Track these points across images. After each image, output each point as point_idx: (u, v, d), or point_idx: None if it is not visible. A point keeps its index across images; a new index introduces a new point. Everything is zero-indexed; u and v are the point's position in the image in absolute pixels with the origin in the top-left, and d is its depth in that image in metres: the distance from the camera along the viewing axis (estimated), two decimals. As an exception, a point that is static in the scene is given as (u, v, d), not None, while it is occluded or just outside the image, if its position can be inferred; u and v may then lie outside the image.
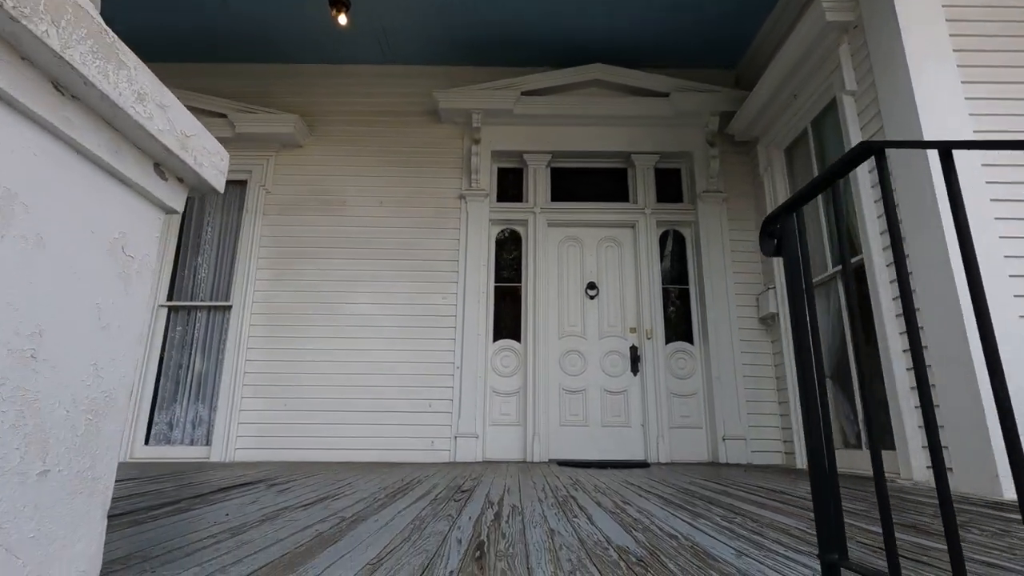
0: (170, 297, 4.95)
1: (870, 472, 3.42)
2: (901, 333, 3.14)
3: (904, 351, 3.10)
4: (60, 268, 0.88)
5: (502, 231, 5.28)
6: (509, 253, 5.25)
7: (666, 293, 5.09)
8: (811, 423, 1.06)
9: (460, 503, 2.17)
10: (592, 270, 5.17)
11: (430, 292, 4.90)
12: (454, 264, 4.97)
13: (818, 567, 1.23)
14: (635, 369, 4.89)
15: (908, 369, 3.08)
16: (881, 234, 3.32)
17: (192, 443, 4.62)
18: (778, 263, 4.53)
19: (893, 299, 3.19)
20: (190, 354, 4.84)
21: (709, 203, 5.10)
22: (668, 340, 4.96)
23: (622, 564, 1.24)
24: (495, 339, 4.98)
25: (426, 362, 4.72)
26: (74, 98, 0.88)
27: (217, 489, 2.54)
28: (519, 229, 5.28)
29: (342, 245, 4.99)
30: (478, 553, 1.34)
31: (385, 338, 4.77)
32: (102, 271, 1.00)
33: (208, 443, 4.55)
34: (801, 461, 4.14)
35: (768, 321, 4.75)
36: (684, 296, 5.12)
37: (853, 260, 3.70)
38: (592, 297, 5.09)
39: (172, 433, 4.65)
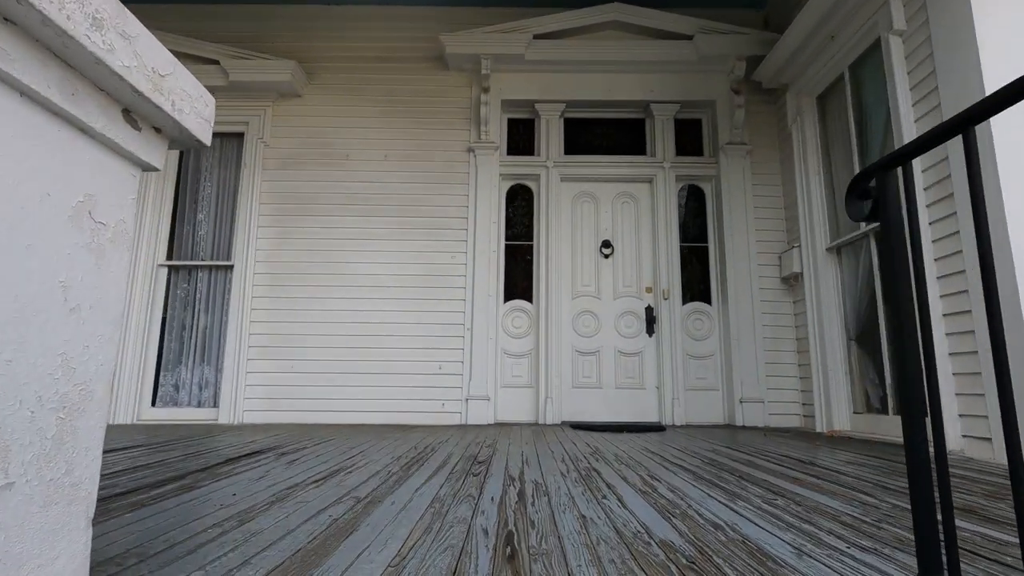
0: (169, 256, 4.78)
1: (898, 439, 3.32)
2: (941, 296, 2.95)
3: (945, 315, 2.93)
4: (7, 242, 0.70)
5: (513, 186, 5.04)
6: (520, 210, 5.03)
7: (684, 251, 4.89)
8: (912, 423, 0.90)
9: (479, 478, 2.06)
10: (607, 227, 4.96)
11: (438, 251, 4.71)
12: (463, 221, 4.76)
13: (893, 572, 1.10)
14: (650, 330, 4.75)
15: (948, 334, 2.91)
16: (926, 190, 3.08)
17: (200, 405, 4.56)
18: (806, 219, 4.30)
19: (936, 259, 2.99)
20: (193, 315, 4.72)
21: (732, 156, 4.82)
22: (685, 300, 4.79)
23: (672, 568, 1.12)
24: (506, 299, 4.83)
25: (435, 323, 4.59)
26: (6, 21, 0.68)
27: (225, 460, 2.44)
28: (531, 184, 5.03)
29: (346, 201, 4.78)
30: (509, 549, 1.22)
31: (393, 299, 4.62)
32: (65, 243, 0.82)
33: (216, 405, 4.49)
34: (821, 424, 4.05)
35: (791, 281, 4.56)
36: (702, 255, 4.92)
37: (890, 218, 3.47)
38: (607, 256, 4.90)
39: (179, 395, 4.59)
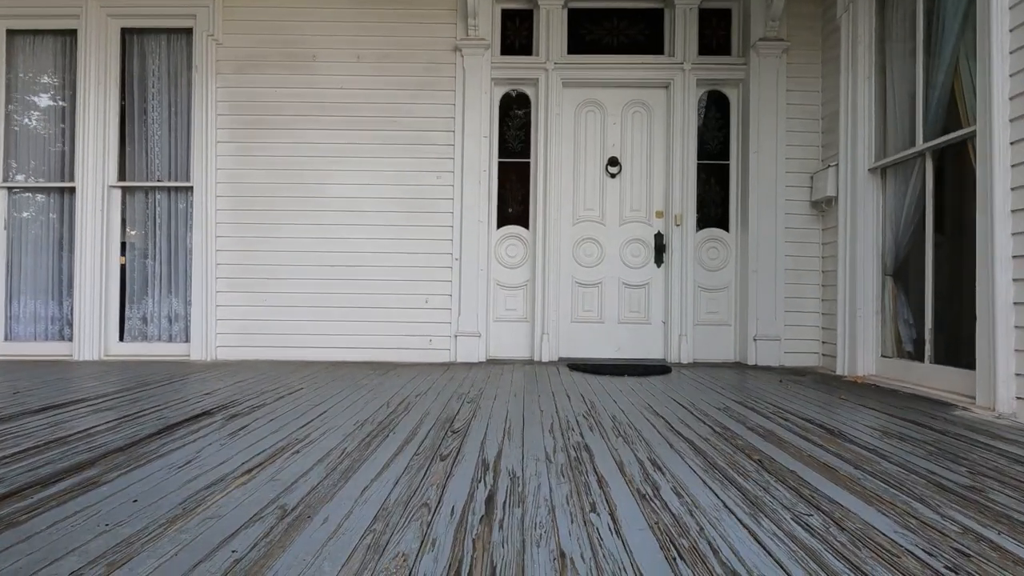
0: (122, 177, 4.26)
1: (932, 392, 2.95)
2: (1015, 234, 2.44)
3: (1015, 257, 2.44)
4: None
5: (507, 93, 4.37)
6: (516, 121, 4.39)
7: (701, 170, 4.30)
8: None
9: (446, 464, 1.71)
10: (615, 142, 4.34)
11: (422, 170, 4.15)
12: (449, 135, 4.16)
13: None
14: (659, 260, 4.29)
15: (1016, 280, 2.44)
16: (1012, 99, 2.47)
17: (171, 339, 4.26)
18: (849, 133, 3.67)
19: (1013, 189, 2.45)
20: (155, 243, 4.28)
21: (765, 55, 4.08)
22: (700, 227, 4.28)
23: None
24: (499, 225, 4.34)
25: (420, 252, 4.14)
26: None
27: (159, 430, 2.11)
28: (528, 90, 4.35)
29: (315, 112, 4.15)
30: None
31: (372, 224, 4.14)
32: None
33: (187, 340, 4.18)
34: (842, 366, 3.69)
35: (822, 206, 4.01)
36: (722, 174, 4.33)
37: (956, 134, 2.89)
38: (613, 175, 4.33)
39: (148, 329, 4.27)
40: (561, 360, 4.21)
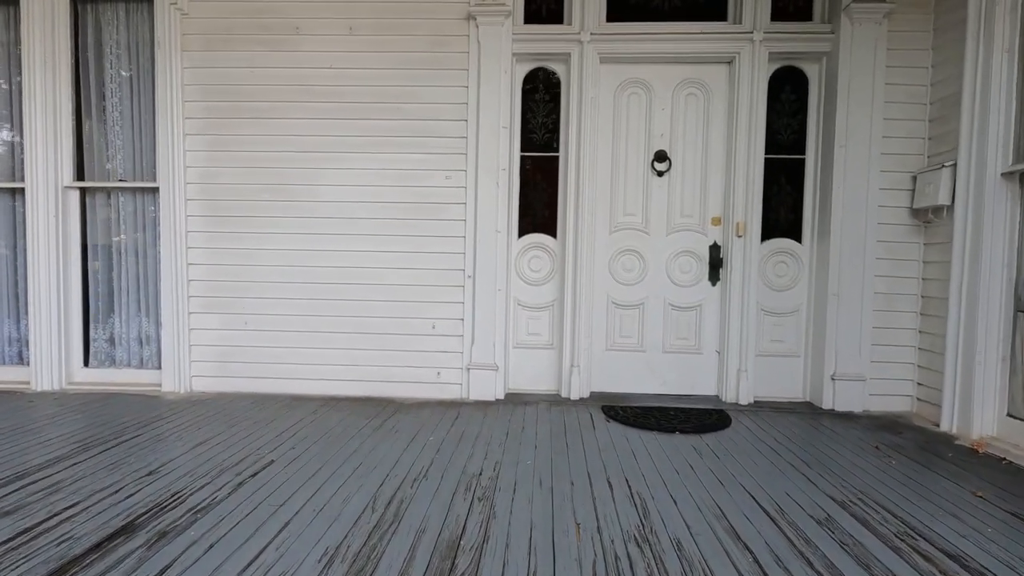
0: (79, 176, 3.64)
1: (1105, 488, 2.20)
2: None
3: None
4: None
5: (532, 72, 3.59)
6: (542, 107, 3.61)
7: (769, 167, 3.50)
8: None
9: None
10: (663, 131, 3.55)
11: (428, 168, 3.44)
12: (461, 125, 3.42)
13: None
14: (715, 276, 3.54)
15: None
16: None
17: (142, 365, 3.69)
18: (975, 124, 2.83)
19: None
20: (121, 253, 3.68)
21: (860, 21, 3.22)
22: (765, 236, 3.51)
23: None
24: (521, 234, 3.62)
25: (426, 268, 3.46)
26: None
27: (52, 572, 1.51)
28: (557, 68, 3.57)
29: (300, 97, 3.44)
30: None
31: (369, 234, 3.46)
32: None
33: (160, 365, 3.60)
34: (950, 421, 2.94)
35: (927, 215, 3.20)
36: (795, 172, 3.53)
37: None
38: (660, 173, 3.56)
39: (115, 352, 3.70)
40: (593, 396, 3.53)
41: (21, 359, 3.71)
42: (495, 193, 3.40)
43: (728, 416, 3.15)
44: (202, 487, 2.09)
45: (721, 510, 1.97)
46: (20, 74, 3.53)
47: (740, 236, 3.43)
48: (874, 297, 3.31)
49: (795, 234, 3.52)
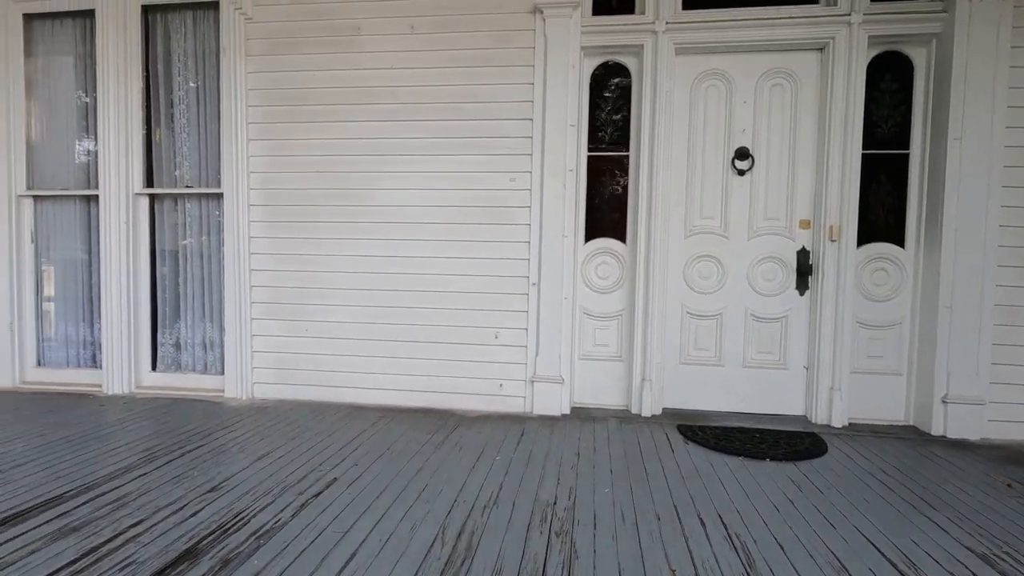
0: (149, 182, 3.69)
1: None
2: None
3: None
4: None
5: (601, 67, 3.37)
6: (611, 103, 3.40)
7: (866, 163, 3.15)
8: None
9: None
10: (745, 126, 3.26)
11: (491, 170, 3.28)
12: (526, 125, 3.25)
13: None
14: (803, 285, 3.22)
15: None
16: None
17: (205, 370, 3.70)
18: None
19: None
20: (186, 257, 3.71)
21: (980, -3, 2.85)
22: (862, 241, 3.16)
23: None
24: (588, 239, 3.41)
25: (489, 275, 3.30)
26: None
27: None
28: (628, 61, 3.34)
29: (360, 99, 3.36)
30: None
31: (429, 240, 3.34)
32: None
33: (223, 371, 3.60)
34: (1093, 455, 2.53)
35: (1063, 216, 2.79)
36: (897, 169, 3.16)
37: None
38: (742, 172, 3.27)
39: (181, 357, 3.74)
40: (666, 413, 3.28)
41: (95, 362, 3.80)
42: (562, 195, 3.21)
43: (823, 441, 2.83)
44: (264, 507, 1.99)
45: (839, 560, 1.70)
46: (95, 84, 3.61)
47: (834, 240, 3.10)
48: (994, 310, 2.91)
49: (896, 238, 3.16)
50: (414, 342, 3.37)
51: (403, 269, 3.36)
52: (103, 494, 2.09)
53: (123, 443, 2.67)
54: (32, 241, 3.81)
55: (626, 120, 3.37)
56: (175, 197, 3.68)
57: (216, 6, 3.49)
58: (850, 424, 3.13)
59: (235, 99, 3.43)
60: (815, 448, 2.72)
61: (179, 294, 3.72)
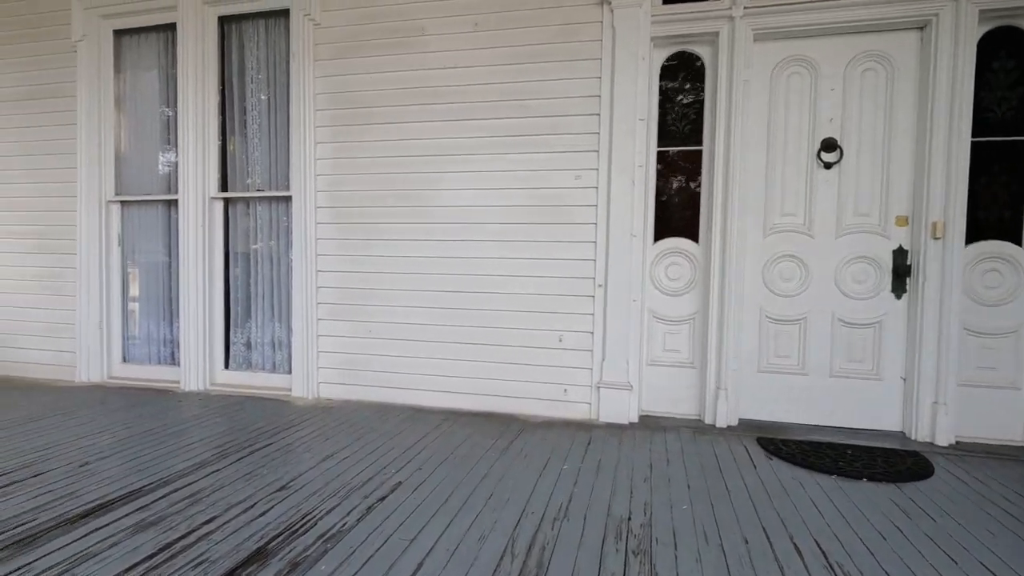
0: (223, 187, 3.82)
1: None
2: None
3: None
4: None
5: (672, 57, 3.21)
6: (682, 96, 3.23)
7: (976, 153, 2.83)
8: None
9: None
10: (832, 115, 3.01)
11: (555, 168, 3.18)
12: (591, 120, 3.13)
13: None
14: (900, 287, 2.93)
15: None
16: None
17: (274, 369, 3.79)
18: None
19: None
20: (257, 259, 3.82)
21: (1119, -42, 2.49)
22: (971, 239, 2.84)
23: None
24: (657, 238, 3.25)
25: (552, 276, 3.20)
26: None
27: (182, 606, 1.42)
28: (701, 51, 3.16)
29: (423, 100, 3.35)
30: None
31: (491, 240, 3.28)
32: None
33: (290, 370, 3.68)
34: None
35: None
36: (1011, 158, 2.82)
37: None
38: (828, 165, 3.02)
39: (251, 355, 3.84)
40: (742, 425, 3.06)
41: (173, 359, 3.97)
42: (630, 193, 3.07)
43: (927, 461, 2.54)
44: (331, 510, 1.97)
45: (967, 602, 1.48)
46: (176, 92, 3.78)
47: (937, 238, 2.80)
48: None
49: (1013, 235, 2.81)
50: (476, 344, 3.31)
51: (465, 270, 3.32)
52: (179, 489, 2.14)
53: (198, 439, 2.74)
54: (119, 244, 4.03)
55: (699, 113, 3.19)
56: (247, 201, 3.79)
57: (287, 14, 3.57)
58: (957, 443, 2.81)
59: (304, 104, 3.50)
60: (919, 469, 2.44)
61: (250, 294, 3.84)
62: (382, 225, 3.44)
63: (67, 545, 1.70)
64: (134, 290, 4.08)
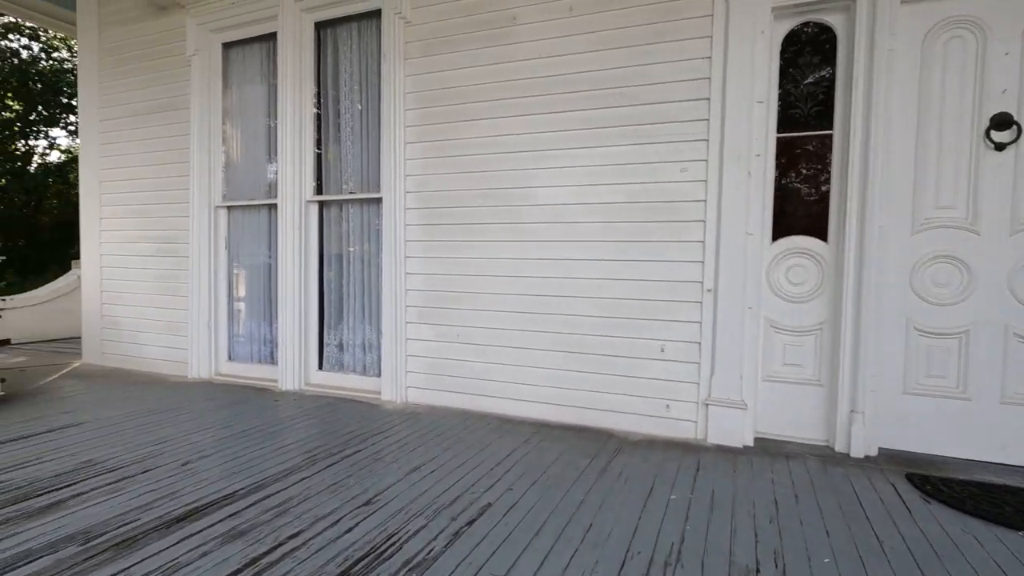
0: (319, 190, 3.89)
1: None
2: None
3: None
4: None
5: (795, 30, 2.81)
6: (809, 73, 2.81)
7: None
8: None
9: None
10: (1006, 86, 2.48)
11: (656, 160, 2.89)
12: (699, 106, 2.80)
13: None
14: (1101, 296, 2.34)
15: None
16: None
17: (364, 371, 3.79)
18: None
19: None
20: (348, 261, 3.84)
21: None
22: None
23: None
24: (776, 237, 2.85)
25: (653, 279, 2.91)
26: None
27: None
28: (833, 20, 2.73)
29: (513, 93, 3.18)
30: None
31: (584, 240, 3.04)
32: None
33: (380, 373, 3.66)
34: None
35: None
36: None
37: None
38: (1001, 146, 2.48)
39: (343, 357, 3.88)
40: (884, 456, 2.60)
41: (272, 359, 4.10)
42: (745, 186, 2.71)
43: None
44: (417, 532, 1.83)
45: None
46: (276, 99, 3.89)
47: None
48: None
49: None
50: (569, 352, 3.09)
51: (555, 272, 3.11)
52: (270, 496, 2.10)
53: (291, 441, 2.74)
54: (226, 247, 4.23)
55: (828, 92, 2.76)
56: (340, 203, 3.83)
57: (378, 14, 3.55)
58: None
59: (394, 103, 3.45)
60: None
61: (342, 296, 3.87)
62: (470, 226, 3.31)
63: (162, 551, 1.69)
64: (239, 291, 4.27)
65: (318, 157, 3.88)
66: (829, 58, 2.75)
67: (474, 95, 3.27)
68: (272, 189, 4.03)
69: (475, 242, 3.30)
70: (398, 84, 3.44)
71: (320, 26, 3.81)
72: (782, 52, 2.81)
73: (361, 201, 3.74)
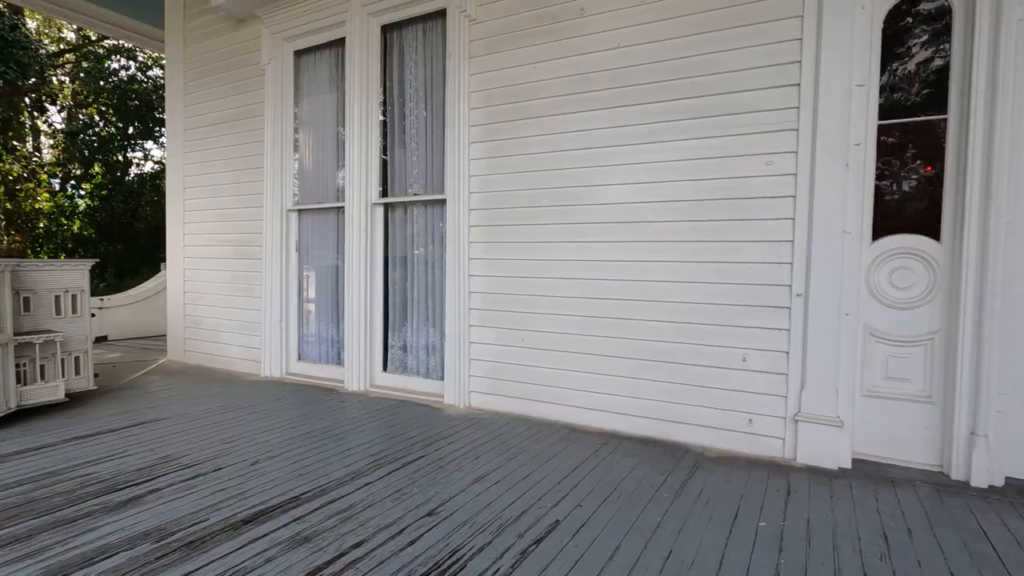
0: (383, 192, 3.90)
1: None
2: None
3: None
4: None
5: (898, 7, 2.51)
6: (917, 52, 2.50)
7: None
8: None
9: None
10: None
11: (736, 154, 2.66)
12: (786, 93, 2.55)
13: None
14: None
15: None
16: None
17: (427, 374, 3.76)
18: None
19: None
20: (412, 263, 3.83)
21: None
22: None
23: None
24: (876, 236, 2.55)
25: (733, 282, 2.68)
26: None
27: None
28: (947, -11, 2.42)
29: (579, 88, 3.04)
30: None
31: (654, 241, 2.85)
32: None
33: (443, 376, 3.61)
34: None
35: None
36: None
37: None
38: None
39: (407, 359, 3.86)
40: (1012, 486, 2.25)
41: (339, 359, 4.15)
42: (842, 179, 2.44)
43: None
44: (482, 548, 1.73)
45: None
46: (344, 104, 3.94)
47: None
48: None
49: None
50: (638, 360, 2.91)
51: (624, 275, 2.94)
52: (334, 500, 2.07)
53: (356, 444, 2.73)
54: (296, 249, 4.34)
55: (941, 72, 2.44)
56: (404, 205, 3.82)
57: (443, 14, 3.52)
58: None
59: (458, 103, 3.40)
60: None
61: (406, 299, 3.86)
62: (534, 227, 3.20)
63: (229, 554, 1.68)
64: (308, 292, 4.36)
65: (383, 161, 3.90)
66: (941, 33, 2.44)
67: (540, 92, 3.16)
68: (340, 193, 4.09)
69: (539, 243, 3.19)
70: (463, 83, 3.39)
71: (386, 29, 3.83)
72: (884, 29, 2.52)
73: (425, 203, 3.72)
